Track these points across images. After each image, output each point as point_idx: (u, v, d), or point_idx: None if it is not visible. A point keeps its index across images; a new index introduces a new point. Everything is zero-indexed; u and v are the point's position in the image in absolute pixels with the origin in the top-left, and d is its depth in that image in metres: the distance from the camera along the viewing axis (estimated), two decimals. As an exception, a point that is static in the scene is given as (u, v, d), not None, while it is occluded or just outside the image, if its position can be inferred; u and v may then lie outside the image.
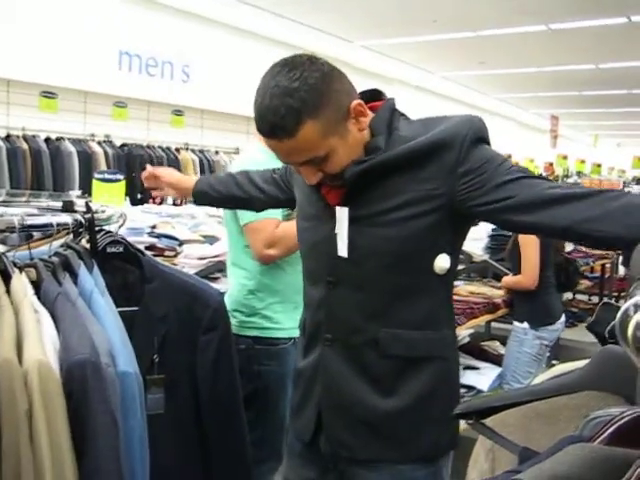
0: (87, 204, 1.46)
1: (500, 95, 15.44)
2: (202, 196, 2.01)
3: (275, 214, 2.33)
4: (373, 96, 1.50)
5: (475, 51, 10.41)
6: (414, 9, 8.07)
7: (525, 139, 17.27)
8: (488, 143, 1.41)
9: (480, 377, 3.35)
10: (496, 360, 3.70)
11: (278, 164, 2.47)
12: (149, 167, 2.13)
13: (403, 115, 1.49)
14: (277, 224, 2.33)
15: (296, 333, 2.50)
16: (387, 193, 1.41)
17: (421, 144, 1.39)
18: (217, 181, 2.02)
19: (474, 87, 14.20)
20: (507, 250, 3.69)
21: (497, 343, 3.86)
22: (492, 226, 3.37)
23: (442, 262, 1.44)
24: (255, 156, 2.46)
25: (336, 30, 9.44)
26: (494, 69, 12.06)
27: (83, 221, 1.42)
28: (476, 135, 1.38)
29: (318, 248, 1.53)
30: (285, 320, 2.45)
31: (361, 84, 1.49)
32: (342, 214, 1.45)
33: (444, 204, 1.38)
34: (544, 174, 12.53)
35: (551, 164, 13.41)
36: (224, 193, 1.96)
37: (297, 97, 1.27)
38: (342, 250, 1.46)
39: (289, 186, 1.80)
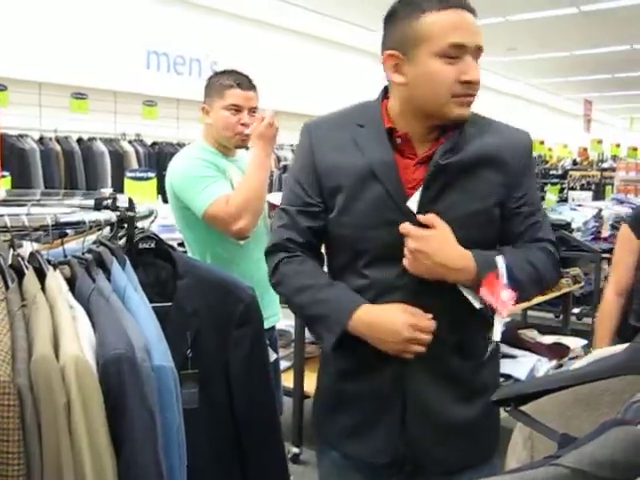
0: (114, 200, 1.46)
1: (531, 81, 15.23)
2: None
3: (221, 191, 2.36)
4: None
5: (504, 37, 10.27)
6: (441, -4, 8.00)
7: (558, 125, 17.01)
8: None
9: (517, 365, 3.30)
10: (533, 348, 3.64)
11: (223, 168, 2.50)
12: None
13: None
14: (226, 200, 2.32)
15: None
16: (465, 194, 1.42)
17: (497, 147, 1.45)
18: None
19: (504, 74, 14.02)
20: None
21: (535, 332, 3.79)
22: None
23: None
24: (208, 158, 2.54)
25: (359, 19, 9.38)
26: (524, 54, 11.90)
27: (115, 218, 1.43)
28: (531, 150, 1.53)
29: (391, 258, 1.43)
30: None
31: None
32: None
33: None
34: (578, 159, 12.33)
35: (585, 149, 13.16)
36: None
37: None
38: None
39: (325, 203, 1.52)
